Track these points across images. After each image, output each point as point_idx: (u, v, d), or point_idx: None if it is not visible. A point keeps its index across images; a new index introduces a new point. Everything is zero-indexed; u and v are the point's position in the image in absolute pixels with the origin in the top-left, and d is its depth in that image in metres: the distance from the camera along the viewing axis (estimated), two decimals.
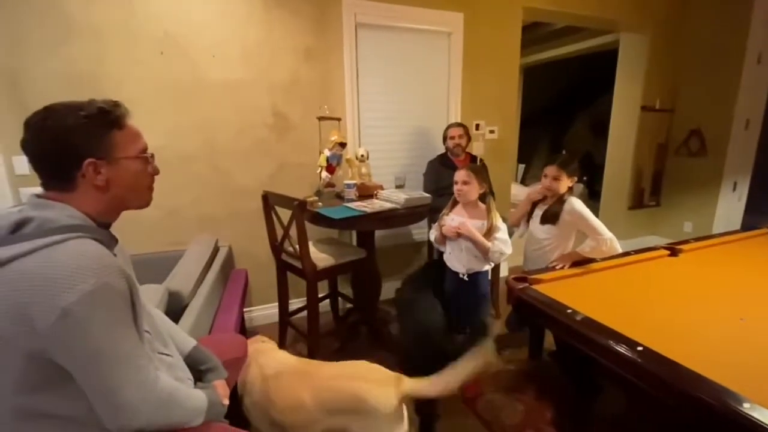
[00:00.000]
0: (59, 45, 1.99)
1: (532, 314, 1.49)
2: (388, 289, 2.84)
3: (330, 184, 2.31)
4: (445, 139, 2.68)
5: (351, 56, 2.55)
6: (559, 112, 6.99)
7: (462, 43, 2.87)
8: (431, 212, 2.60)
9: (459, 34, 2.84)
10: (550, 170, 1.85)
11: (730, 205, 3.60)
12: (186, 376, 0.93)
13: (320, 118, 2.33)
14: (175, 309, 1.47)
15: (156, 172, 0.86)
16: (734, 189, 3.57)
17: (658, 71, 3.75)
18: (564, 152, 6.75)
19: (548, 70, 5.76)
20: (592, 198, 5.03)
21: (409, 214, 2.06)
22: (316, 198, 2.14)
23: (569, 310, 1.37)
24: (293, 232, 1.89)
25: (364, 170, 2.40)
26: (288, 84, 2.46)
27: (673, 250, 2.04)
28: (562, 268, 1.76)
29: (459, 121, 2.85)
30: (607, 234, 1.76)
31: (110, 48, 2.08)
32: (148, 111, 2.20)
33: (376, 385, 1.15)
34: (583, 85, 6.37)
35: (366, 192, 2.29)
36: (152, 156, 0.85)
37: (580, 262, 1.81)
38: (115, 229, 0.84)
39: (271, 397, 1.20)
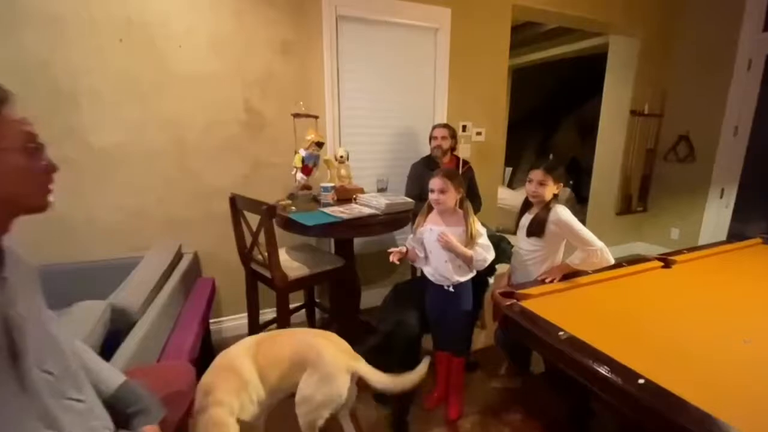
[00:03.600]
0: (9, 31, 1.79)
1: (520, 335, 1.35)
2: (370, 297, 2.69)
3: (306, 187, 2.15)
4: (430, 140, 2.55)
5: (331, 51, 2.38)
6: (548, 114, 6.93)
7: (449, 40, 2.74)
8: (415, 218, 2.48)
9: (446, 31, 2.71)
10: (536, 174, 1.72)
11: (718, 212, 3.54)
12: (103, 424, 0.76)
13: (295, 115, 2.16)
14: (121, 329, 1.29)
15: (52, 168, 0.69)
16: (722, 196, 3.51)
17: (648, 75, 3.68)
18: (551, 156, 6.70)
19: (537, 72, 5.69)
20: (580, 203, 4.95)
21: (391, 220, 1.91)
22: (289, 201, 1.98)
23: (560, 332, 1.23)
24: (263, 239, 1.72)
25: (343, 172, 2.25)
26: (262, 78, 2.28)
27: (666, 262, 1.94)
28: (551, 281, 1.63)
29: (445, 122, 2.71)
30: (598, 244, 1.63)
31: (66, 35, 1.88)
32: (108, 104, 2.00)
33: (335, 348, 1.32)
34: (572, 88, 6.32)
35: (345, 195, 2.14)
36: (40, 147, 0.67)
37: (571, 274, 1.69)
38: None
39: (259, 360, 1.29)
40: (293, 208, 1.92)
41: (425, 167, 2.50)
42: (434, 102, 2.82)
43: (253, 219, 1.81)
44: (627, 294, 1.60)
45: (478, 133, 3.01)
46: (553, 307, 1.43)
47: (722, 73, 3.37)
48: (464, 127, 2.92)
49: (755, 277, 1.77)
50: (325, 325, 2.41)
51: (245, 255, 1.97)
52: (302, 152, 2.06)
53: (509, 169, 7.20)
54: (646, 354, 1.15)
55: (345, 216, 1.76)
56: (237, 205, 1.89)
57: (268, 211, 1.66)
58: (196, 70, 2.14)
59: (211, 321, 2.37)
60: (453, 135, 2.51)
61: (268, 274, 1.81)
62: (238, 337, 2.28)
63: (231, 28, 2.18)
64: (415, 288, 1.96)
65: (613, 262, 1.67)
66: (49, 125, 1.88)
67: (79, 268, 1.89)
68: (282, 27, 2.28)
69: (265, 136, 2.34)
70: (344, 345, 1.38)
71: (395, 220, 1.94)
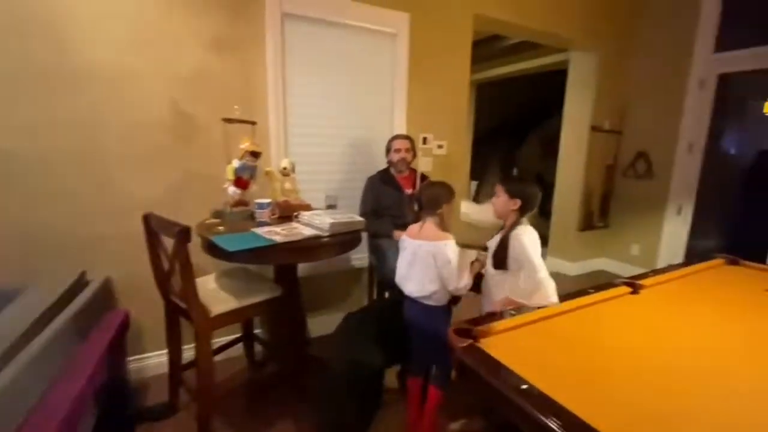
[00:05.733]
0: None
1: (479, 387, 1.11)
2: (321, 325, 2.41)
3: (242, 202, 1.85)
4: (388, 152, 2.34)
5: (276, 51, 2.12)
6: (511, 129, 6.96)
7: (408, 46, 2.55)
8: (371, 238, 2.25)
9: (405, 37, 2.52)
10: (497, 188, 1.60)
11: (675, 229, 3.54)
12: None
13: (227, 121, 1.87)
14: None
15: None
16: (679, 212, 3.51)
17: (607, 92, 3.66)
18: (514, 171, 6.71)
19: (502, 87, 5.68)
20: (543, 217, 4.91)
21: (336, 243, 1.65)
22: (217, 220, 1.67)
23: (524, 386, 1.01)
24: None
25: (288, 185, 1.97)
26: (193, 78, 1.98)
27: (633, 286, 1.80)
28: (507, 315, 1.42)
29: (405, 133, 2.51)
30: (541, 274, 1.45)
31: None
32: None
33: None
34: (536, 104, 6.36)
35: (288, 212, 1.87)
36: None
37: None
38: None
39: None
40: (221, 228, 1.62)
41: (382, 182, 2.31)
42: (392, 112, 2.63)
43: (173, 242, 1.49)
44: (597, 327, 1.41)
45: (440, 146, 2.84)
46: (516, 347, 1.21)
47: (677, 92, 3.39)
48: (425, 140, 2.74)
49: (723, 302, 1.65)
50: (264, 362, 2.10)
51: (162, 284, 1.64)
52: (235, 163, 1.78)
53: (475, 183, 7.17)
54: (621, 411, 0.94)
55: (279, 239, 1.48)
56: (152, 225, 1.57)
57: (182, 235, 1.35)
58: (112, 64, 1.81)
59: (130, 359, 2.00)
60: (414, 147, 2.34)
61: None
62: (163, 377, 1.94)
63: (155, 17, 1.87)
64: (370, 317, 1.72)
65: (554, 299, 1.49)
66: None
67: None
68: (216, 21, 1.99)
69: (197, 143, 2.03)
70: None
71: (343, 242, 1.68)
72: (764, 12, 2.94)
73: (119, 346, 1.76)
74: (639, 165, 3.69)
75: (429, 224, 1.52)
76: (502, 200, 1.56)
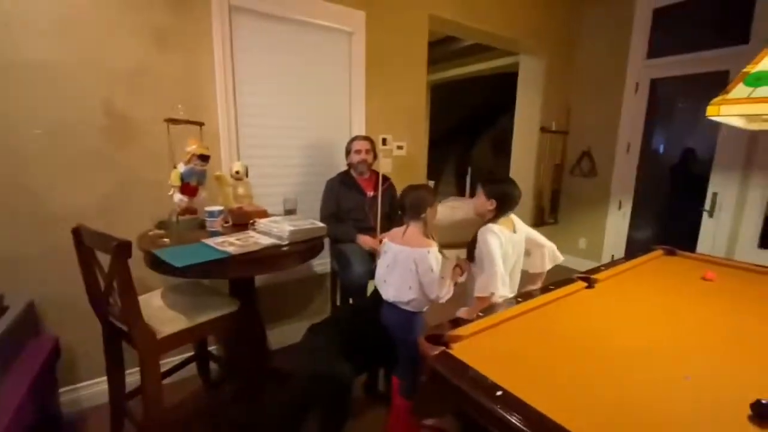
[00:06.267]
0: None
1: (453, 395, 1.09)
2: (281, 335, 2.31)
3: (190, 210, 1.70)
4: (348, 153, 2.29)
5: (224, 46, 1.98)
6: (465, 131, 7.13)
7: (365, 45, 2.50)
8: (334, 243, 2.20)
9: (361, 35, 2.46)
10: (477, 188, 1.63)
11: (617, 222, 3.78)
12: None
13: (170, 121, 1.71)
14: None
15: None
16: (620, 207, 3.76)
17: (554, 94, 3.83)
18: (468, 169, 6.89)
19: (456, 89, 5.79)
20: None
21: (297, 251, 1.56)
22: (162, 231, 1.52)
23: (499, 392, 0.99)
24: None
25: (241, 191, 1.85)
26: (132, 74, 1.79)
27: (588, 281, 1.89)
28: (471, 319, 1.42)
29: (365, 134, 2.46)
30: (492, 269, 1.47)
31: None
32: None
33: None
34: (489, 105, 6.55)
35: (243, 220, 1.75)
36: None
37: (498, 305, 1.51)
38: None
39: None
40: (166, 240, 1.47)
41: (342, 184, 2.25)
42: (351, 113, 2.57)
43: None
44: (562, 322, 1.45)
45: (400, 147, 2.82)
46: (484, 350, 1.20)
47: (615, 94, 3.62)
48: (384, 141, 2.70)
49: (669, 292, 1.77)
50: (221, 381, 1.95)
51: (98, 305, 1.45)
52: (181, 167, 1.63)
53: (431, 183, 7.29)
54: (589, 408, 0.95)
55: (233, 250, 1.37)
56: (83, 239, 1.38)
57: (120, 250, 1.20)
58: (34, 56, 1.59)
59: (63, 390, 1.78)
60: (374, 148, 2.30)
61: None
62: (102, 408, 1.73)
63: (87, 6, 1.66)
64: (335, 328, 1.65)
65: (502, 295, 1.52)
66: None
67: None
68: (158, 11, 1.81)
69: (138, 146, 1.84)
70: None
71: (304, 250, 1.59)
72: (688, 24, 3.22)
73: (48, 378, 1.55)
74: (584, 164, 3.91)
75: (413, 229, 1.49)
76: (480, 201, 1.58)
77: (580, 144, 3.92)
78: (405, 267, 1.46)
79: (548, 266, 1.73)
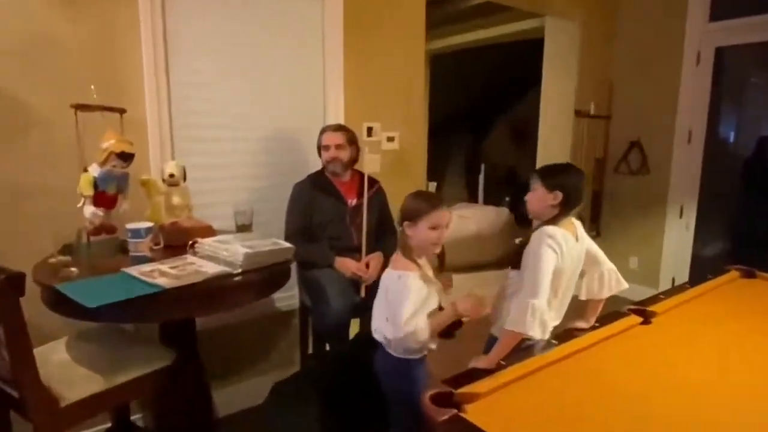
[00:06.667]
0: None
1: None
2: (232, 396, 2.30)
3: (106, 228, 1.72)
4: (319, 150, 2.33)
5: (153, 12, 2.01)
6: (477, 116, 7.22)
7: (342, 10, 2.56)
8: (303, 270, 2.23)
9: None
10: (532, 179, 1.67)
11: (678, 235, 3.86)
12: None
13: (80, 108, 1.72)
14: None
15: None
16: (681, 215, 3.84)
17: (591, 67, 3.92)
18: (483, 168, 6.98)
19: (462, 62, 5.87)
20: (521, 225, 5.14)
21: (255, 282, 1.58)
22: (68, 258, 1.51)
23: None
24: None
25: (177, 200, 1.88)
26: (26, 45, 1.80)
27: (643, 315, 1.92)
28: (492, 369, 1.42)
29: (342, 123, 2.51)
30: (536, 298, 1.49)
31: None
32: None
33: None
34: (506, 82, 6.67)
35: (179, 240, 1.76)
36: None
37: (525, 348, 1.52)
38: None
39: None
40: (74, 270, 1.47)
41: (315, 189, 2.27)
42: (325, 94, 2.62)
43: None
44: (610, 373, 1.45)
45: (390, 139, 2.86)
46: (509, 412, 1.20)
47: (670, 68, 3.73)
48: (370, 131, 2.74)
49: (756, 327, 1.79)
50: None
51: None
52: (94, 170, 1.64)
53: (433, 185, 7.32)
54: None
55: (166, 282, 1.36)
56: None
57: (7, 285, 1.18)
58: None
59: None
60: (353, 141, 2.33)
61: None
62: None
63: None
64: (307, 386, 1.66)
65: (542, 336, 1.54)
66: None
67: None
68: None
69: (33, 142, 1.84)
70: None
71: (264, 280, 1.62)
72: None
73: None
74: (632, 158, 3.99)
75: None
76: (538, 194, 1.60)
77: (627, 132, 4.00)
78: (381, 293, 1.53)
79: (606, 294, 1.75)
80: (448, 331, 1.61)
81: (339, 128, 2.31)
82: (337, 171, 2.27)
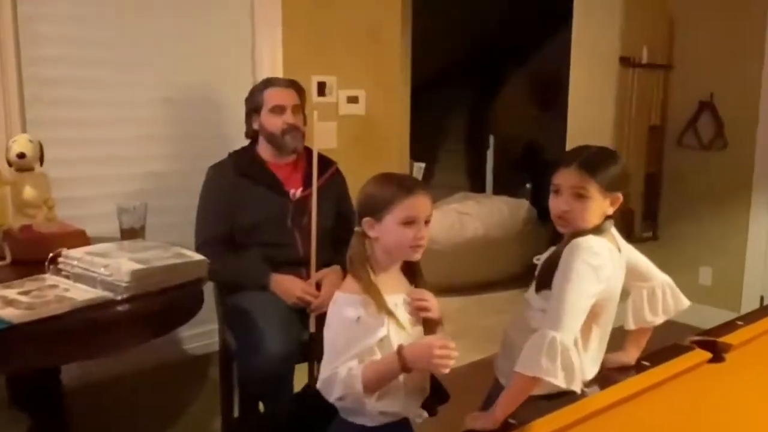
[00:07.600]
0: None
1: None
2: None
3: None
4: (253, 114, 2.35)
5: None
6: (481, 69, 7.28)
7: None
8: (223, 294, 2.31)
9: None
10: (564, 176, 1.64)
11: None
12: None
13: None
14: None
15: None
16: None
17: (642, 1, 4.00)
18: (491, 140, 7.04)
19: None
20: (543, 219, 5.22)
21: (148, 314, 1.63)
22: None
23: None
24: None
25: (28, 194, 1.93)
26: None
27: (713, 349, 1.98)
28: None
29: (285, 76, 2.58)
30: (560, 332, 1.54)
31: None
32: None
33: None
34: (520, 21, 6.74)
35: (35, 253, 1.79)
36: None
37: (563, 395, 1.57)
38: None
39: None
40: None
41: (240, 175, 2.32)
42: (254, 37, 2.70)
43: None
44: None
45: (352, 99, 2.92)
46: None
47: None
48: (321, 87, 2.79)
49: None
50: None
51: None
52: None
53: (420, 166, 7.33)
54: None
55: (15, 316, 1.39)
56: None
57: None
58: None
59: None
60: (303, 102, 2.41)
61: None
62: None
63: None
64: None
65: (580, 382, 1.60)
66: None
67: None
68: None
69: None
70: None
71: (167, 309, 1.68)
72: None
73: None
74: (703, 125, 4.08)
75: None
76: (594, 202, 1.61)
77: (695, 89, 4.09)
78: None
79: (662, 318, 1.80)
80: (429, 404, 1.63)
81: (292, 83, 2.36)
82: (291, 145, 2.31)
